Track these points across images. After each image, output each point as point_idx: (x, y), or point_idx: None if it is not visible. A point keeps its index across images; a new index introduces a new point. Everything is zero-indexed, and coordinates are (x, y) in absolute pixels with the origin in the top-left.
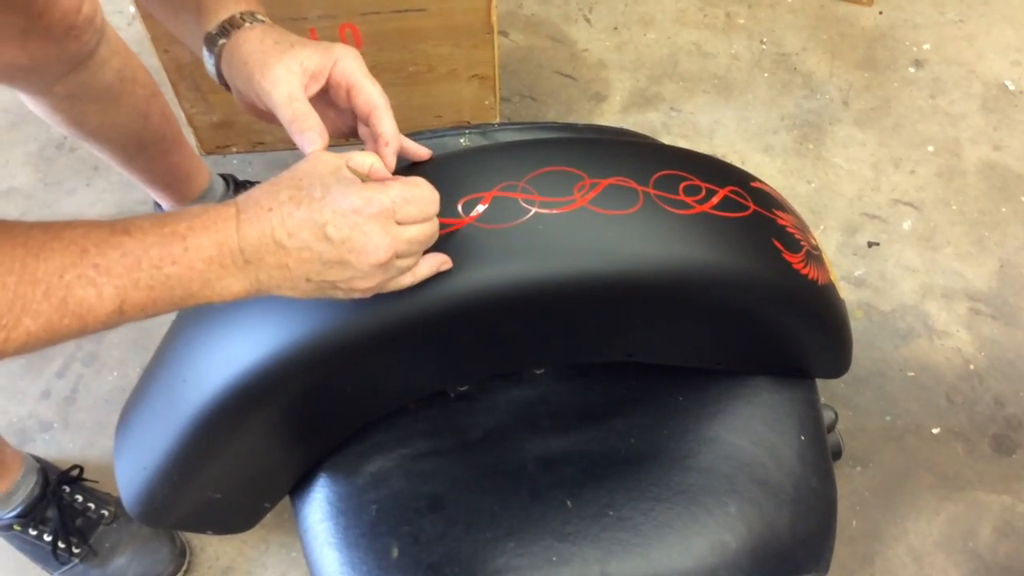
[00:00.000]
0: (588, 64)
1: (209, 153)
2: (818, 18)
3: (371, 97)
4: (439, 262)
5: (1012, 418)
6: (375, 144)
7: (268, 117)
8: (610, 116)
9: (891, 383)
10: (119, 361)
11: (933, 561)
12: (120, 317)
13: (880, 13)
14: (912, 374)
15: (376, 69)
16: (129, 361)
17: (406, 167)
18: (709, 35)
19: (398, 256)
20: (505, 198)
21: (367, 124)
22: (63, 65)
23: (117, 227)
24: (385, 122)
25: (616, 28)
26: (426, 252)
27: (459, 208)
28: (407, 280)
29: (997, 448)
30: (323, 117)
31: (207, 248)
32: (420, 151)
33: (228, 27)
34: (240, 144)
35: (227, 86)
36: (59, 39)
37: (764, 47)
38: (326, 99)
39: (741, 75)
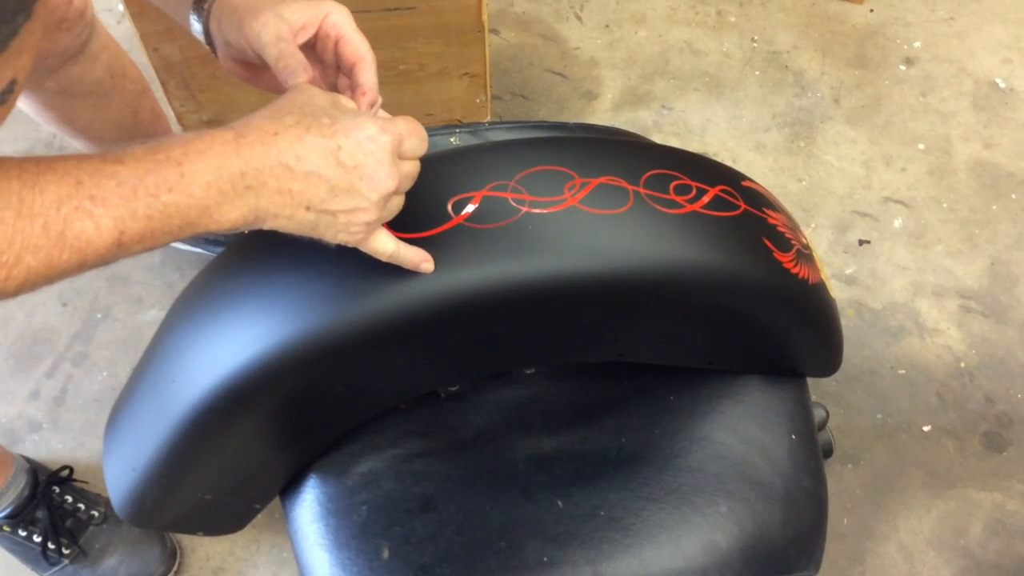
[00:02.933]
0: (579, 62)
1: None
2: (809, 16)
3: (358, 49)
4: (422, 257)
5: (1003, 415)
6: (353, 94)
7: (253, 75)
8: (601, 114)
9: (882, 381)
10: (108, 361)
11: (924, 559)
12: (119, 250)
13: (871, 11)
14: (903, 372)
15: None
16: (119, 361)
17: None
18: (700, 33)
19: (397, 192)
20: (495, 197)
21: (349, 76)
22: (54, 59)
23: (109, 157)
24: (368, 74)
25: (607, 26)
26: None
27: (449, 208)
28: (389, 247)
29: (988, 445)
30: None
31: (204, 173)
32: None
33: None
34: None
35: (211, 47)
36: (50, 32)
37: (755, 45)
38: (312, 55)
39: (732, 73)
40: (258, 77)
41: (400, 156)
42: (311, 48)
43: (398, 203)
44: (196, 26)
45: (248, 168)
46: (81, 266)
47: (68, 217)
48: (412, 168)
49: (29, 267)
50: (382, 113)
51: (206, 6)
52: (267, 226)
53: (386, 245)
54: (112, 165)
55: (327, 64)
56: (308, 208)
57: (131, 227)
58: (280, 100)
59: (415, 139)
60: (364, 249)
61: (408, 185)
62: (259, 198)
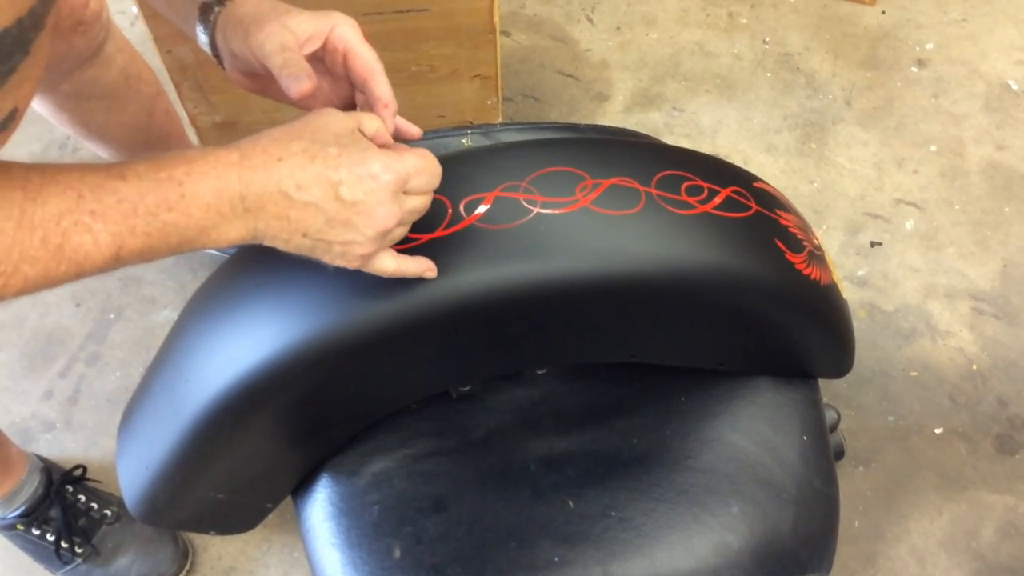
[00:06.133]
0: (590, 64)
1: None
2: (821, 18)
3: (368, 61)
4: (426, 267)
5: (1015, 418)
6: (374, 108)
7: (260, 86)
8: (612, 116)
9: (894, 383)
10: (122, 361)
11: (936, 561)
12: (117, 263)
13: (883, 13)
14: (915, 374)
15: None
16: (132, 361)
17: None
18: (712, 35)
19: (399, 225)
20: (507, 198)
21: (363, 90)
22: (70, 62)
23: (113, 171)
24: (382, 86)
25: (618, 28)
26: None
27: (461, 208)
28: (391, 267)
29: (1000, 448)
30: (318, 86)
31: (205, 195)
32: (411, 129)
33: None
34: None
35: (218, 58)
36: (66, 35)
37: (767, 47)
38: (322, 68)
39: (744, 75)
40: (265, 88)
41: (406, 192)
42: (320, 61)
43: (400, 233)
44: (203, 37)
45: (248, 192)
46: (79, 276)
47: (67, 231)
48: (418, 203)
49: (26, 276)
50: (401, 122)
51: (212, 17)
52: (266, 243)
53: (387, 265)
54: (114, 181)
55: (337, 76)
56: (305, 235)
57: (129, 243)
58: (298, 121)
59: (424, 176)
60: (366, 270)
61: (413, 219)
62: (258, 221)
